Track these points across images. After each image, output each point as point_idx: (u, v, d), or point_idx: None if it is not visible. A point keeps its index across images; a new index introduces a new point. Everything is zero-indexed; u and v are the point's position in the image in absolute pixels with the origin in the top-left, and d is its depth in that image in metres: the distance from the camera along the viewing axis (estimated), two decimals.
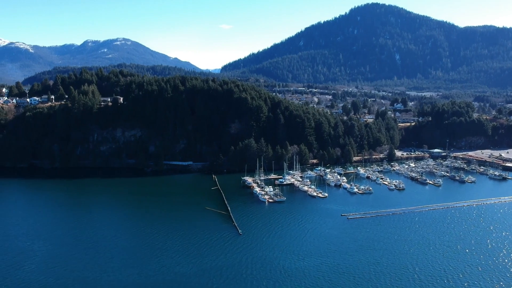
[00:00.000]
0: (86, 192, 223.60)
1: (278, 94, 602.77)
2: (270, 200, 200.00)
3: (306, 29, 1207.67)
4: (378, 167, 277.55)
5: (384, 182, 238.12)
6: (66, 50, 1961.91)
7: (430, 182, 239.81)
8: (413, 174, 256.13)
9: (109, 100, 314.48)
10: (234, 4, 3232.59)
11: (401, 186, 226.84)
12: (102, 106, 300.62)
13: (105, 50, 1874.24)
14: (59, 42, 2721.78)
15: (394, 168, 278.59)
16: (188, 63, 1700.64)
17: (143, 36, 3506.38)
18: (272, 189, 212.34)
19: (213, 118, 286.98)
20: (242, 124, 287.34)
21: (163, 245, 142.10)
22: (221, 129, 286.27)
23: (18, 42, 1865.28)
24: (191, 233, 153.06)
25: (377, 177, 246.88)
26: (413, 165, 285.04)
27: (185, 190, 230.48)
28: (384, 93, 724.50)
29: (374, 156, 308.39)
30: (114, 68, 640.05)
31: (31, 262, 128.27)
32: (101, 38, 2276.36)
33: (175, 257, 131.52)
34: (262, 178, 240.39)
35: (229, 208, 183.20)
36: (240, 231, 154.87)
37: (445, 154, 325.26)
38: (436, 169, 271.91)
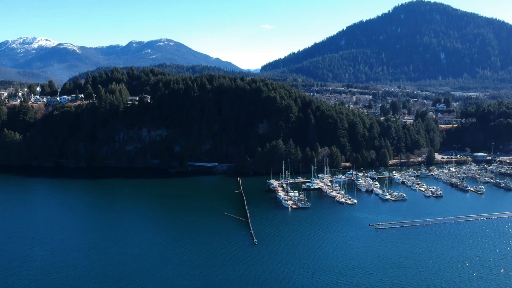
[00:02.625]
0: (107, 193, 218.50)
1: (315, 93, 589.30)
2: (294, 206, 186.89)
3: (348, 28, 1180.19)
4: (415, 172, 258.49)
5: (420, 188, 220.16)
6: (111, 50, 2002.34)
7: (472, 189, 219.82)
8: (453, 180, 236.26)
9: (136, 99, 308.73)
10: (277, 4, 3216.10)
11: (438, 193, 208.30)
12: (128, 105, 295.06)
13: (149, 50, 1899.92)
14: (105, 43, 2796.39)
15: (433, 173, 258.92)
16: (229, 63, 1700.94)
17: (186, 36, 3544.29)
18: (297, 194, 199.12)
19: (240, 118, 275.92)
20: (271, 125, 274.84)
21: (170, 253, 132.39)
22: (248, 129, 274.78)
23: (66, 43, 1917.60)
24: (202, 242, 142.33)
25: (413, 183, 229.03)
26: (454, 170, 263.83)
27: (207, 193, 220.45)
28: (427, 93, 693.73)
29: (411, 160, 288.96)
30: (153, 68, 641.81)
31: (30, 267, 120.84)
32: (145, 39, 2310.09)
33: (178, 268, 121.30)
34: (288, 181, 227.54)
35: (248, 214, 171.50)
36: (255, 240, 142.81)
37: (489, 158, 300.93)
38: (479, 175, 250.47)
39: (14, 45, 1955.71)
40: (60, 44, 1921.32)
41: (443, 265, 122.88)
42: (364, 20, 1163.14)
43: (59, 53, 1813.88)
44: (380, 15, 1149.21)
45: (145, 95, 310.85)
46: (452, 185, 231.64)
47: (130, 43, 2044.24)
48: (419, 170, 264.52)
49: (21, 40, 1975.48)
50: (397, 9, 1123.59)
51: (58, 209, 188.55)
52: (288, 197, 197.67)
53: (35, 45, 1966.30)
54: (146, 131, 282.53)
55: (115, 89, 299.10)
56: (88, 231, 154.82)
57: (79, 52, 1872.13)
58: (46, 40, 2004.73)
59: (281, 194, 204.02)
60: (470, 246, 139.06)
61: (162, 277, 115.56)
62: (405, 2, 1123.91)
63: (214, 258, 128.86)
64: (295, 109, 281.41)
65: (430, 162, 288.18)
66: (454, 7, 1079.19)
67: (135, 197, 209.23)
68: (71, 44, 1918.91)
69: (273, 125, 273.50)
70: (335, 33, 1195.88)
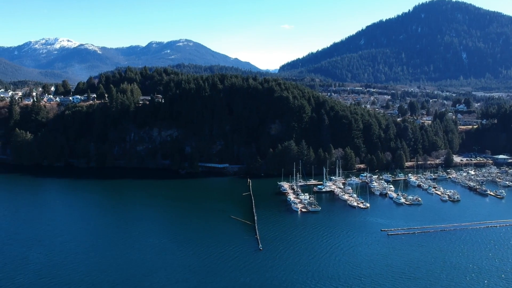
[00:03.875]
0: (114, 194, 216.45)
1: (333, 94, 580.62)
2: (303, 210, 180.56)
3: (368, 27, 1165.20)
4: (432, 174, 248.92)
5: (437, 191, 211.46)
6: (131, 51, 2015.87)
7: (491, 193, 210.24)
8: (472, 183, 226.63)
9: (148, 99, 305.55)
10: (296, 4, 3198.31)
11: (455, 197, 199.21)
12: (140, 105, 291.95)
13: (168, 51, 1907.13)
14: (126, 44, 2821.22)
15: (450, 176, 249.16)
16: (248, 63, 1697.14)
17: (205, 37, 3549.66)
18: (307, 197, 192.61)
19: (252, 118, 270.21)
20: (283, 125, 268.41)
21: (170, 258, 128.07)
22: (260, 130, 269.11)
23: (87, 43, 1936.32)
24: (205, 246, 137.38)
25: (429, 186, 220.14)
26: (473, 173, 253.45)
27: (215, 195, 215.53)
28: (448, 93, 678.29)
29: (429, 162, 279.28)
30: (166, 68, 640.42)
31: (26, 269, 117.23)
32: (165, 39, 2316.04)
33: (175, 274, 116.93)
34: (299, 184, 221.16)
35: (255, 218, 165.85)
36: (260, 245, 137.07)
37: (511, 160, 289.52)
38: (499, 178, 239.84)
39: (36, 46, 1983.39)
40: (81, 44, 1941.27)
41: (456, 275, 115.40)
42: (384, 20, 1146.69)
43: (80, 54, 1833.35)
44: (400, 14, 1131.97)
45: (157, 95, 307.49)
46: (470, 188, 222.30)
47: (150, 44, 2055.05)
48: (436, 172, 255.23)
49: (44, 41, 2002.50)
50: (418, 8, 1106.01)
51: (63, 210, 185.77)
52: (298, 200, 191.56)
53: (57, 46, 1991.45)
54: (157, 131, 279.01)
55: (127, 88, 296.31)
56: (89, 233, 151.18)
57: (100, 52, 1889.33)
58: (68, 40, 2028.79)
59: (291, 197, 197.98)
60: (487, 255, 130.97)
61: (157, 283, 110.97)
62: (426, 1, 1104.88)
63: (215, 263, 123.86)
64: (308, 109, 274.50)
65: (448, 164, 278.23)
66: (477, 5, 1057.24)
67: (142, 199, 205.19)
68: (92, 44, 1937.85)
69: (285, 126, 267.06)
70: (354, 33, 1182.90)
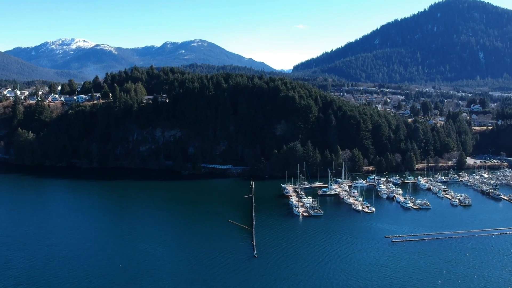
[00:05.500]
0: (113, 196, 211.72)
1: (345, 93, 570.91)
2: (305, 214, 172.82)
3: (382, 27, 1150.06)
4: (443, 177, 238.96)
5: (447, 195, 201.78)
6: (146, 51, 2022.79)
7: (505, 197, 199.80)
8: (484, 187, 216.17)
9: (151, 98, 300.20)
10: (311, 4, 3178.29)
11: (466, 201, 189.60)
12: (143, 104, 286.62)
13: (183, 51, 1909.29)
14: (141, 44, 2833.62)
15: (462, 179, 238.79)
16: (262, 63, 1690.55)
17: (219, 37, 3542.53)
18: (310, 201, 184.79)
19: (257, 118, 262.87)
20: (289, 125, 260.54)
21: (159, 264, 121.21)
22: (265, 130, 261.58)
23: (103, 44, 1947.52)
24: (197, 252, 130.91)
25: (439, 189, 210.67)
26: (486, 176, 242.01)
27: (215, 197, 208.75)
28: (463, 93, 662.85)
29: (440, 164, 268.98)
30: (184, 68, 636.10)
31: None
32: (179, 39, 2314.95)
33: (161, 282, 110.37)
34: (303, 186, 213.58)
35: (253, 222, 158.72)
36: (255, 252, 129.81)
37: None
38: None
39: (53, 46, 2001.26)
40: (97, 45, 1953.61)
41: None
42: (399, 19, 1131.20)
43: (96, 54, 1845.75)
44: (415, 13, 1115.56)
45: (162, 95, 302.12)
46: (483, 192, 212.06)
47: (165, 44, 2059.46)
48: (447, 175, 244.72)
49: (60, 42, 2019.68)
50: (434, 7, 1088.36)
51: (58, 212, 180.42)
52: (301, 204, 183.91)
53: (73, 46, 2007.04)
54: (160, 131, 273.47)
55: (130, 88, 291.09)
56: (79, 237, 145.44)
57: (116, 53, 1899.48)
58: (84, 41, 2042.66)
59: (294, 200, 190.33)
60: (498, 265, 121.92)
61: None
62: (442, 0, 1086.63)
63: (203, 271, 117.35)
64: (315, 109, 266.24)
65: (460, 166, 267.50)
66: (494, 4, 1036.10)
67: (140, 201, 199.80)
68: (107, 45, 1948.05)
69: (291, 126, 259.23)
70: (369, 32, 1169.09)
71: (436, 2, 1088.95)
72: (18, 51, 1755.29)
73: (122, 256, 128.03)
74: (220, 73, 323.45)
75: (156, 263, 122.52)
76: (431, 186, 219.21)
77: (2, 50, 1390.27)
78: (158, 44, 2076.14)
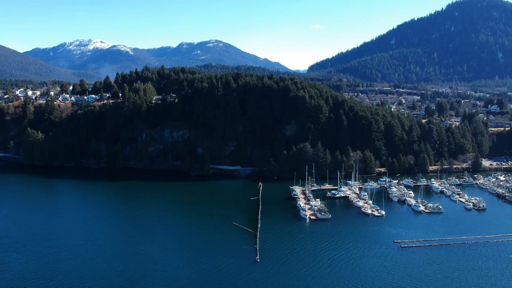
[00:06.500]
0: (118, 196, 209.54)
1: (360, 94, 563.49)
2: (312, 217, 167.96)
3: (399, 26, 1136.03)
4: (457, 180, 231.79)
5: (461, 199, 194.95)
6: (163, 52, 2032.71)
7: None
8: (500, 190, 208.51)
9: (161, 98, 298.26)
10: (327, 4, 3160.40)
11: (481, 205, 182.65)
12: (152, 104, 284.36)
13: (198, 52, 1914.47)
14: (157, 45, 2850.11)
15: (477, 182, 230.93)
16: (277, 64, 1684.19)
17: (235, 37, 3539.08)
18: (318, 203, 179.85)
19: (266, 119, 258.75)
20: (298, 126, 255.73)
21: (157, 268, 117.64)
22: (275, 131, 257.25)
23: (119, 45, 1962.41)
24: (198, 256, 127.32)
25: (452, 193, 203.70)
26: (503, 179, 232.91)
27: (222, 199, 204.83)
28: (481, 94, 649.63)
29: (455, 166, 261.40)
30: (199, 69, 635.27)
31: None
32: (195, 40, 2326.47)
33: (157, 286, 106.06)
34: (312, 188, 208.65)
35: (258, 225, 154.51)
36: (258, 257, 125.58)
37: None
38: None
39: (71, 47, 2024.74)
40: (114, 46, 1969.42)
41: None
42: (416, 19, 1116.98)
43: (112, 55, 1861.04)
44: (432, 13, 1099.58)
45: (171, 95, 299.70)
46: (499, 196, 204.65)
47: (181, 45, 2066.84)
48: (462, 178, 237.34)
49: (78, 42, 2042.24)
50: (451, 7, 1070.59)
51: (63, 213, 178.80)
52: (308, 207, 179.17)
53: (90, 47, 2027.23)
54: (169, 131, 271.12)
55: (140, 88, 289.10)
56: (79, 238, 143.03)
57: (132, 53, 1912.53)
58: (101, 42, 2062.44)
59: (301, 202, 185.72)
60: (510, 273, 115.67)
61: None
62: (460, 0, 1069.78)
63: (202, 276, 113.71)
64: (325, 109, 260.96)
65: (476, 169, 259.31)
66: None
67: (146, 202, 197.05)
68: (124, 46, 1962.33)
69: (301, 127, 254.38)
70: (385, 32, 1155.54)
71: (454, 1, 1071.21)
72: (36, 52, 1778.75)
73: (120, 259, 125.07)
74: (229, 73, 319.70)
75: (153, 267, 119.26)
76: (444, 189, 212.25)
77: (21, 51, 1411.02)
78: (174, 44, 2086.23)
